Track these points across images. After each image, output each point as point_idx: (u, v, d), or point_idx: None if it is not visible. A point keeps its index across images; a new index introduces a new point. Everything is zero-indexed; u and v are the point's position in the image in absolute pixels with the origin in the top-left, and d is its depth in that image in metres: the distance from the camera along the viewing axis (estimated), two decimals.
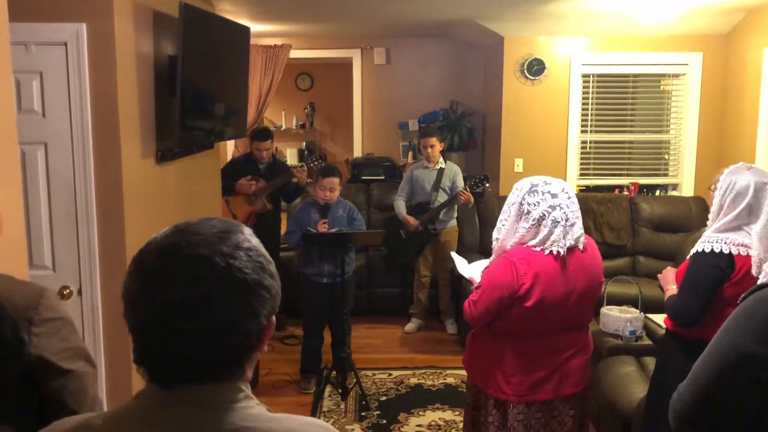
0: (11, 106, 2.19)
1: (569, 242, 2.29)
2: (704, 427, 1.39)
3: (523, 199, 2.31)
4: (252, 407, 0.93)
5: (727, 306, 2.23)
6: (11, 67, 2.17)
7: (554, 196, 2.29)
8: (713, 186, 2.51)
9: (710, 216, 2.49)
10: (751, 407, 1.30)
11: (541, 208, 2.28)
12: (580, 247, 2.34)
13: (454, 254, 3.07)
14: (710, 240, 2.39)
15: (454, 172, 5.25)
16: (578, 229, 2.33)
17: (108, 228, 3.13)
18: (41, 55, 3.01)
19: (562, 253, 2.28)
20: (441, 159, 5.27)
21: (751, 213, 2.35)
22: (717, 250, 2.35)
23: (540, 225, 2.28)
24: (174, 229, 0.93)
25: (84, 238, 3.07)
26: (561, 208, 2.28)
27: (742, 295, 1.40)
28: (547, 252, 2.28)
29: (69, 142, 3.03)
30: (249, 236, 0.95)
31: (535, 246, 2.29)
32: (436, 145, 5.19)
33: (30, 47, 3.00)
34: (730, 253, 2.34)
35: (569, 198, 2.31)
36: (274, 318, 0.97)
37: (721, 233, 2.38)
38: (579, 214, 2.35)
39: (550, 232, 2.27)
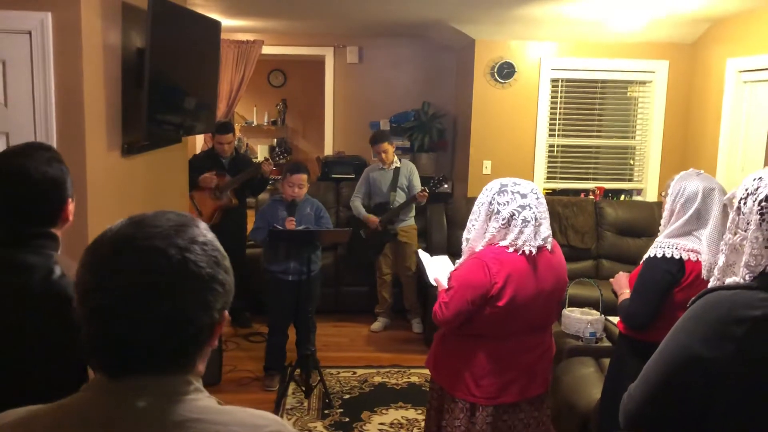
0: None
1: (539, 242, 2.33)
2: (653, 426, 1.42)
3: (493, 198, 2.34)
4: (201, 399, 0.93)
5: (678, 310, 2.27)
6: None
7: (523, 196, 2.32)
8: (665, 192, 2.57)
9: (662, 221, 2.55)
10: (697, 408, 1.34)
11: (511, 208, 2.30)
12: (548, 247, 2.38)
13: (420, 252, 3.07)
14: (662, 245, 2.45)
15: (410, 170, 5.32)
16: (546, 230, 2.36)
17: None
18: (5, 43, 2.96)
19: (533, 252, 2.31)
20: (395, 159, 5.33)
21: (699, 218, 2.41)
22: (668, 255, 2.41)
23: (510, 225, 2.31)
24: (129, 221, 0.93)
25: None
26: (530, 207, 2.31)
27: (692, 298, 1.44)
28: (519, 252, 2.31)
29: (32, 132, 2.99)
30: (204, 231, 0.96)
31: (506, 246, 2.32)
32: (389, 149, 5.27)
33: None
34: (681, 258, 2.40)
35: (538, 199, 2.35)
36: (227, 312, 0.97)
37: (672, 239, 2.44)
38: (547, 215, 2.38)
39: (521, 232, 2.30)
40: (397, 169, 5.28)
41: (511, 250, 2.31)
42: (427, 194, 5.16)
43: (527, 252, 2.31)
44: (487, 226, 2.34)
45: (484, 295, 2.30)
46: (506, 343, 2.41)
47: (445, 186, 5.34)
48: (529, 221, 2.31)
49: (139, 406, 0.89)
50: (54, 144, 3.01)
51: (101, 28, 3.26)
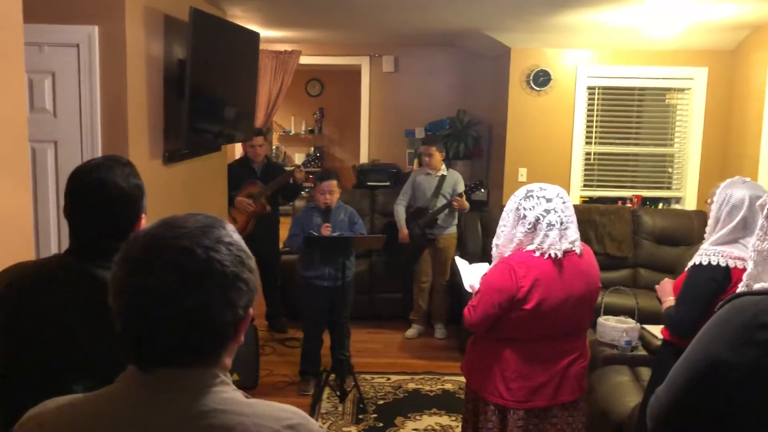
0: (23, 104, 2.26)
1: (565, 245, 2.34)
2: (678, 429, 1.43)
3: (519, 204, 2.37)
4: (226, 392, 0.97)
5: None
6: (24, 67, 2.24)
7: (549, 200, 2.34)
8: (710, 200, 2.55)
9: (707, 229, 2.53)
10: (721, 412, 1.35)
11: (536, 212, 2.33)
12: (577, 251, 2.39)
13: (458, 259, 3.08)
14: (707, 253, 2.43)
15: (455, 180, 5.31)
16: (573, 233, 2.37)
17: None
18: (54, 55, 3.09)
19: (559, 255, 2.33)
20: (443, 167, 5.33)
21: (746, 227, 2.38)
22: (714, 263, 2.39)
23: (536, 229, 2.33)
24: (161, 222, 0.99)
25: None
26: (555, 211, 2.33)
27: (719, 303, 1.45)
28: (546, 256, 2.32)
29: (78, 141, 3.11)
30: (231, 232, 1.01)
31: (533, 251, 2.34)
32: (435, 155, 5.26)
33: (43, 48, 3.08)
34: (727, 266, 2.37)
35: (564, 203, 2.37)
36: (251, 310, 1.02)
37: (718, 246, 2.42)
38: (574, 218, 2.39)
39: (546, 236, 2.32)
40: (443, 177, 5.29)
41: (537, 254, 2.33)
42: (463, 201, 5.15)
43: (553, 255, 2.33)
44: (515, 231, 2.37)
45: (511, 298, 2.33)
46: (536, 346, 2.43)
47: (482, 191, 5.32)
48: (554, 225, 2.33)
49: (167, 397, 0.94)
50: (99, 151, 3.12)
51: (144, 40, 3.37)
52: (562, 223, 2.34)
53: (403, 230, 5.25)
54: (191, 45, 3.52)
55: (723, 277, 2.37)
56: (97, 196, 1.54)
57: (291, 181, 5.27)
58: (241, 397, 0.99)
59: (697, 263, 2.45)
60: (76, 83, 3.11)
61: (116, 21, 3.12)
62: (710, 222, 2.51)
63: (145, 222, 1.65)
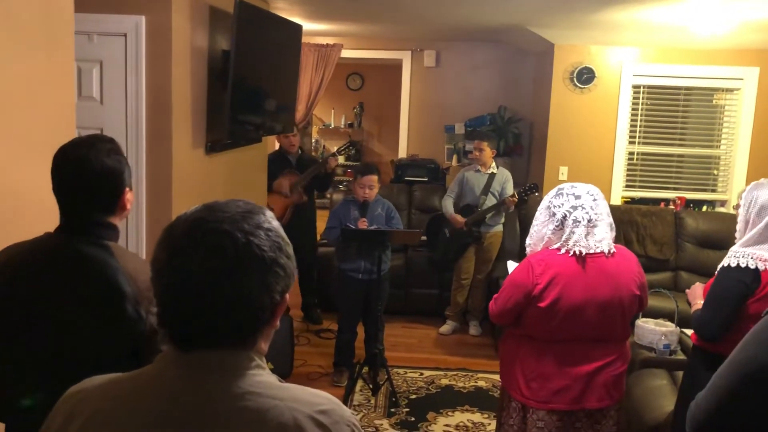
0: (72, 92, 2.32)
1: (592, 243, 2.30)
2: None
3: (550, 202, 2.36)
4: (262, 375, 0.99)
5: (752, 321, 2.21)
6: (74, 56, 2.30)
7: (578, 197, 2.32)
8: (737, 203, 2.49)
9: (737, 232, 2.48)
10: (765, 419, 1.32)
11: (564, 209, 2.31)
12: (606, 251, 2.33)
13: (510, 263, 3.02)
14: (736, 255, 2.37)
15: (505, 178, 5.24)
16: (602, 232, 2.32)
17: (156, 213, 3.26)
18: (102, 44, 3.16)
19: (583, 253, 2.29)
20: (493, 164, 5.27)
21: None
22: (743, 265, 2.33)
23: (563, 226, 2.31)
24: (203, 206, 1.01)
25: (132, 223, 3.21)
26: (583, 208, 2.30)
27: (767, 309, 1.41)
28: (571, 253, 2.29)
29: (123, 128, 3.17)
30: (270, 218, 1.02)
31: (558, 248, 2.32)
32: (485, 150, 5.18)
33: (92, 37, 3.15)
34: (756, 268, 2.31)
35: (594, 200, 2.33)
36: (287, 296, 1.03)
37: (748, 248, 2.36)
38: (605, 217, 2.35)
39: (572, 232, 2.30)
40: (492, 175, 5.23)
41: (562, 251, 2.31)
42: (516, 200, 5.09)
43: (577, 252, 2.29)
44: (545, 229, 2.36)
45: (527, 294, 2.33)
46: (557, 347, 2.39)
47: (536, 194, 5.21)
48: (580, 221, 2.29)
49: (204, 378, 0.96)
50: (143, 139, 3.19)
51: (190, 31, 3.42)
52: (590, 221, 2.30)
53: (455, 216, 5.21)
54: (235, 36, 3.55)
55: (752, 279, 2.32)
56: (79, 171, 1.58)
57: (324, 170, 5.30)
58: (276, 381, 1.00)
59: (725, 265, 2.40)
60: (122, 72, 3.18)
61: (163, 11, 3.18)
62: (739, 225, 2.45)
63: (131, 197, 1.69)
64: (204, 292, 0.94)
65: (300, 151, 5.52)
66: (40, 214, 1.92)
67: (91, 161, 1.58)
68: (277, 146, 7.14)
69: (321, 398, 1.01)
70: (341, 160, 6.61)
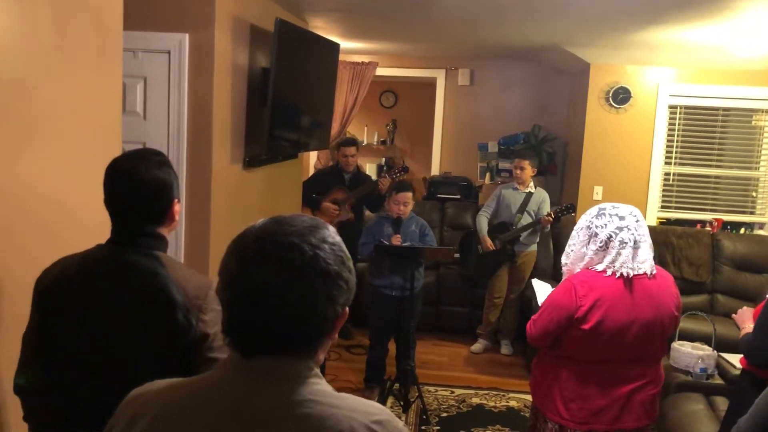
0: (119, 108, 2.39)
1: (637, 265, 2.29)
2: None
3: (591, 222, 2.33)
4: (320, 384, 1.02)
5: None
6: (121, 73, 2.37)
7: (621, 218, 2.30)
8: None
9: None
10: None
11: (608, 230, 2.29)
12: (648, 273, 2.32)
13: (535, 281, 3.03)
14: None
15: (542, 199, 5.22)
16: (645, 254, 2.31)
17: (195, 226, 3.32)
18: (146, 61, 3.25)
19: (630, 274, 2.28)
20: (531, 183, 5.26)
21: None
22: None
23: (608, 247, 2.29)
24: (271, 219, 1.05)
25: (171, 234, 3.26)
26: (629, 229, 2.28)
27: None
28: (618, 275, 2.28)
29: (165, 143, 3.25)
30: (333, 234, 1.06)
31: (603, 270, 2.29)
32: (527, 168, 5.17)
33: (137, 54, 3.24)
34: None
35: (637, 221, 2.31)
36: (347, 309, 1.06)
37: None
38: (647, 238, 2.33)
39: (618, 254, 2.28)
40: (530, 194, 5.22)
41: (608, 273, 2.28)
42: (552, 219, 5.06)
43: (625, 274, 2.27)
44: (586, 249, 2.33)
45: (570, 316, 2.30)
46: (599, 369, 2.37)
47: (572, 214, 5.18)
48: (626, 243, 2.27)
49: (266, 384, 0.99)
50: (184, 154, 3.26)
51: (231, 48, 3.50)
52: (635, 242, 2.29)
53: (486, 239, 5.21)
54: (275, 54, 3.62)
55: None
56: (131, 183, 1.62)
57: (376, 191, 5.30)
58: (333, 391, 1.03)
59: None
60: (165, 88, 3.26)
61: (206, 30, 3.26)
62: None
63: (179, 208, 1.73)
64: (273, 301, 0.97)
65: (357, 169, 5.55)
66: (90, 227, 1.98)
67: (143, 173, 1.62)
68: (311, 164, 7.24)
69: (376, 409, 1.04)
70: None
